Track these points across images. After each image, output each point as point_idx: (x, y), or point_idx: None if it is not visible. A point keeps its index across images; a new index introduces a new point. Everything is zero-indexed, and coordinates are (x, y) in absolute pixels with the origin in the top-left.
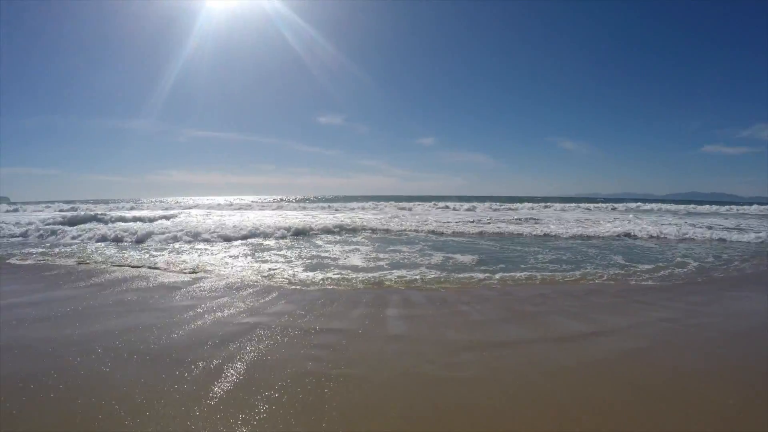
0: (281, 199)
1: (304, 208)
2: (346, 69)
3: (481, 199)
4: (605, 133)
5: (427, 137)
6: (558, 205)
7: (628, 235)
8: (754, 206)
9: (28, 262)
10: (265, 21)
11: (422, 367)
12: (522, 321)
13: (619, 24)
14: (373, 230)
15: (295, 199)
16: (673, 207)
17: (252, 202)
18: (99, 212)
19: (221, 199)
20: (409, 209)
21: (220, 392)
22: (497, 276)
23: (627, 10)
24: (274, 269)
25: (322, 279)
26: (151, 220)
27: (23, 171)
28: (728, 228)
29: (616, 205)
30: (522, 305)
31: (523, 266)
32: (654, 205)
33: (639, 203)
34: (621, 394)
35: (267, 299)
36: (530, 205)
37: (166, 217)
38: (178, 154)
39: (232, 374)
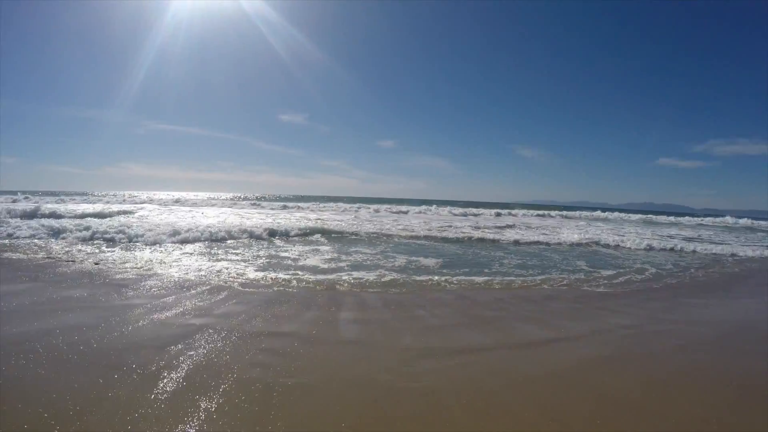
0: (243, 198)
1: (263, 207)
2: (311, 66)
3: (442, 203)
4: (563, 142)
5: (388, 140)
6: (519, 212)
7: (596, 243)
8: (708, 218)
9: None
10: (237, 13)
11: (376, 375)
12: (481, 326)
13: (581, 34)
14: (338, 232)
15: (255, 197)
16: (633, 216)
17: (209, 198)
18: (45, 206)
19: (179, 195)
20: (376, 211)
21: (156, 400)
22: (455, 279)
23: (589, 22)
24: (227, 267)
25: (276, 279)
26: (104, 216)
27: None
28: (689, 238)
29: (572, 213)
30: (481, 310)
31: (486, 270)
32: (612, 214)
33: (598, 211)
34: (586, 404)
35: (216, 299)
36: (491, 210)
37: (125, 212)
38: (137, 146)
39: (171, 380)
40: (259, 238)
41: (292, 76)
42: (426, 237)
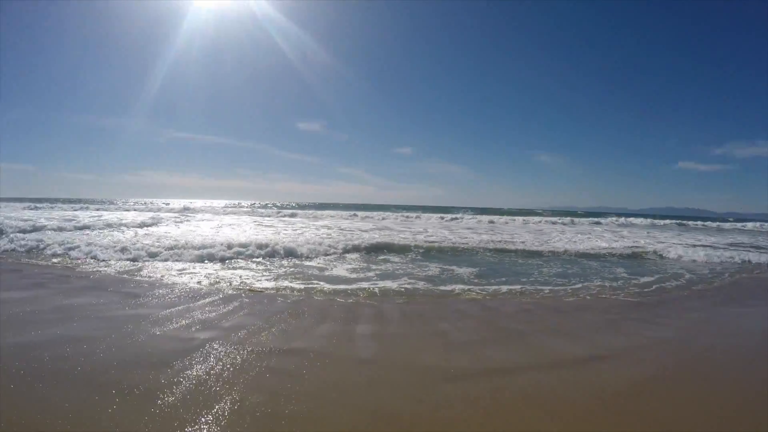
0: (266, 205)
1: (284, 216)
2: (327, 73)
3: (462, 210)
4: (582, 148)
5: (405, 147)
6: (549, 219)
7: (651, 252)
8: (729, 223)
9: None
10: (252, 22)
11: (394, 404)
12: (508, 342)
13: (599, 38)
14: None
15: (275, 205)
16: (659, 222)
17: (226, 206)
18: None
19: (200, 203)
20: (407, 218)
21: (146, 427)
22: (486, 290)
23: (608, 25)
24: (241, 275)
25: (290, 288)
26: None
27: None
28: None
29: (599, 219)
30: (507, 322)
31: (524, 279)
32: (640, 220)
33: (623, 217)
34: None
35: (225, 310)
36: (522, 218)
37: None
38: (157, 154)
39: (165, 403)
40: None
41: (308, 84)
42: (456, 246)
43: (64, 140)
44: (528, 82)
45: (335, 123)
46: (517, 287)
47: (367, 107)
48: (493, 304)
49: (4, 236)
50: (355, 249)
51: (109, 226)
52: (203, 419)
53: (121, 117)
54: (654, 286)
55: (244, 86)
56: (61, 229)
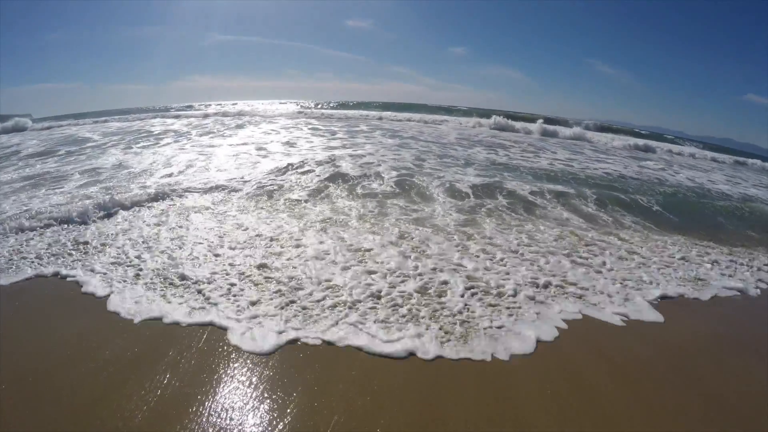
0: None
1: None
2: None
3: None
4: (646, 62)
5: (459, 46)
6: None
7: None
8: None
9: None
10: None
11: None
12: None
13: None
14: None
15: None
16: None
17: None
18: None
19: (260, 105)
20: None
21: None
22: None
23: None
24: None
25: None
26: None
27: (47, 87)
28: None
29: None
30: None
31: None
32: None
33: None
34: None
35: None
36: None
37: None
38: (201, 59)
39: None
40: None
41: None
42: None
43: (108, 54)
44: None
45: (385, 20)
46: None
47: (420, 2)
48: None
49: None
50: None
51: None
52: None
53: (164, 25)
54: None
55: None
56: None
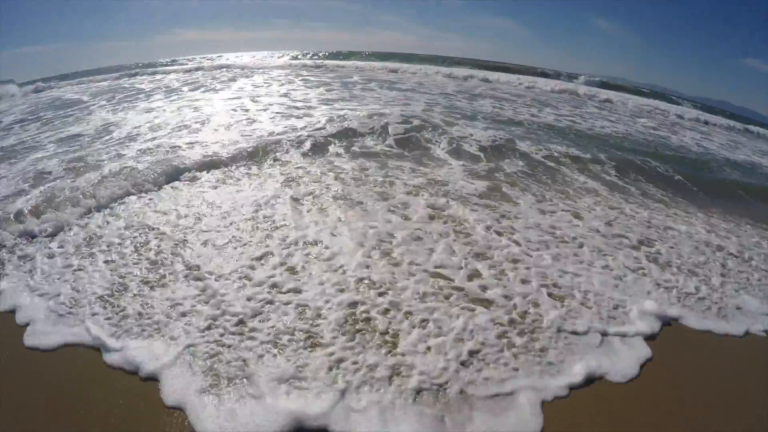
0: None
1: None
2: None
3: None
4: (645, 18)
5: None
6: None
7: None
8: None
9: None
10: None
11: None
12: None
13: None
14: None
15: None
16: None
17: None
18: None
19: (248, 58)
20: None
21: None
22: None
23: None
24: None
25: None
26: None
27: (28, 50)
28: None
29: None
30: None
31: None
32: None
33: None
34: None
35: None
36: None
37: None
38: (185, 11)
39: None
40: None
41: None
42: None
43: (89, 11)
44: None
45: None
46: None
47: None
48: None
49: None
50: None
51: None
52: None
53: None
54: None
55: None
56: None
